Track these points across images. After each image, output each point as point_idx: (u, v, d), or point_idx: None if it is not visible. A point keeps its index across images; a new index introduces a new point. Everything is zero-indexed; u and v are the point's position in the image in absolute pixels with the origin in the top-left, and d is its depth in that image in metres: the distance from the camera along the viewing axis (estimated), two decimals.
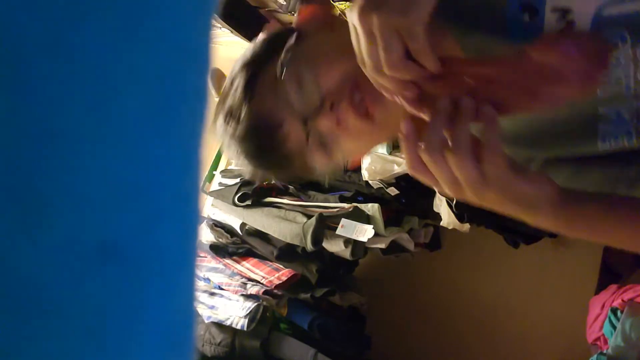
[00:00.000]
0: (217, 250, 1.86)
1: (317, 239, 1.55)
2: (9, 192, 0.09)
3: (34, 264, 0.10)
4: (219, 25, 1.78)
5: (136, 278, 0.11)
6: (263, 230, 1.73)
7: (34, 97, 0.09)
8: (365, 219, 1.59)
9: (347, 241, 1.59)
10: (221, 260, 1.85)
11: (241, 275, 1.79)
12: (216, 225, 1.92)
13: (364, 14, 0.44)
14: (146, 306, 0.11)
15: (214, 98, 2.33)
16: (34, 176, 0.09)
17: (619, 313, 1.41)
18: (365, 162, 1.62)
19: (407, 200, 1.72)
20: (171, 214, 0.12)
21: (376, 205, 1.61)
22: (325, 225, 1.58)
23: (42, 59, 0.09)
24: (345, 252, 1.60)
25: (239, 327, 1.67)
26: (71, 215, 0.10)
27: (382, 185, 1.66)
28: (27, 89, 0.09)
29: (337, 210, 1.61)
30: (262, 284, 1.71)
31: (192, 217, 0.13)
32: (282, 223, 1.64)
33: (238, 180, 1.84)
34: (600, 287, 1.65)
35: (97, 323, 0.11)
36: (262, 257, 1.82)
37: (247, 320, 1.66)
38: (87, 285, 0.10)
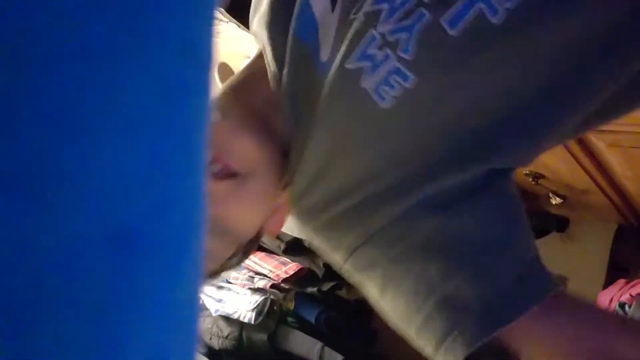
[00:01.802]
0: None
1: None
2: (29, 180, 0.10)
3: (51, 249, 0.10)
4: (227, 19, 1.78)
5: (146, 263, 0.12)
6: None
7: (49, 92, 0.10)
8: None
9: None
10: None
11: (248, 269, 1.80)
12: None
13: None
14: (155, 290, 0.12)
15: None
16: (54, 166, 0.10)
17: (627, 307, 1.40)
18: None
19: None
20: (178, 203, 0.13)
21: None
22: None
23: (53, 49, 0.10)
24: None
25: (246, 320, 1.69)
26: (88, 201, 0.11)
27: None
28: (41, 85, 0.10)
29: None
30: (269, 277, 1.72)
31: (198, 207, 0.13)
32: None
33: None
34: (608, 281, 1.64)
35: (108, 305, 0.11)
36: (269, 251, 1.82)
37: (254, 313, 1.67)
38: (101, 269, 0.11)
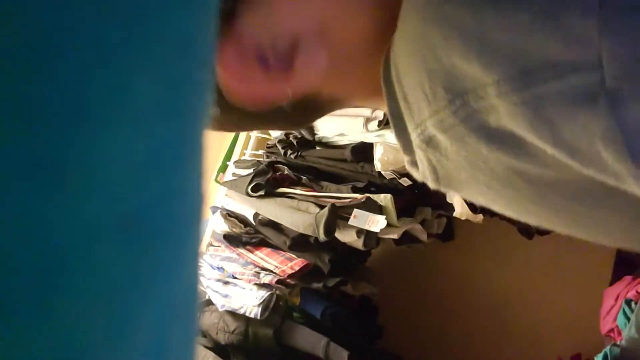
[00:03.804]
0: (231, 239, 1.88)
1: (329, 229, 1.56)
2: (44, 165, 0.10)
3: (69, 232, 0.11)
4: None
5: (150, 249, 0.12)
6: (276, 220, 1.75)
7: (63, 81, 0.10)
8: (378, 209, 1.60)
9: (360, 231, 1.59)
10: (235, 249, 1.87)
11: (254, 264, 1.81)
12: (230, 215, 1.94)
13: None
14: (157, 277, 0.13)
15: None
16: (65, 153, 0.11)
17: (633, 304, 1.40)
18: (378, 153, 1.62)
19: (420, 190, 1.72)
20: (180, 193, 0.13)
21: (389, 195, 1.61)
22: (338, 215, 1.59)
23: (69, 48, 0.10)
24: (358, 243, 1.61)
25: (252, 315, 1.70)
26: (101, 190, 0.11)
27: (394, 176, 1.66)
28: (56, 75, 0.10)
29: (350, 201, 1.62)
30: (275, 273, 1.73)
31: (197, 197, 0.14)
32: (295, 213, 1.66)
33: (251, 170, 1.86)
34: (615, 278, 1.64)
35: (118, 287, 0.12)
36: (275, 247, 1.83)
37: (260, 308, 1.68)
38: (111, 252, 0.11)
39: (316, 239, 1.62)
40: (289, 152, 1.84)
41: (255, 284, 1.74)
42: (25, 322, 0.10)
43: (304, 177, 1.76)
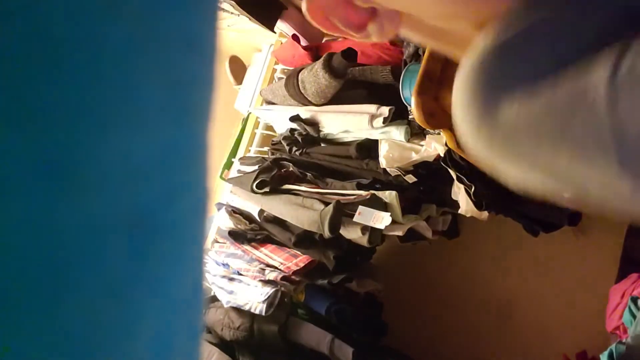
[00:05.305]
0: (236, 236, 1.88)
1: (334, 226, 1.56)
2: (54, 165, 0.11)
3: (80, 230, 0.11)
4: (237, 12, 1.79)
5: (156, 246, 0.12)
6: (281, 217, 1.75)
7: (73, 82, 0.11)
8: (383, 206, 1.60)
9: (365, 228, 1.59)
10: (240, 246, 1.88)
11: (259, 261, 1.81)
12: (235, 212, 1.95)
13: None
14: (163, 273, 0.13)
15: (232, 85, 2.33)
16: (75, 153, 0.11)
17: (639, 302, 1.39)
18: (383, 150, 1.62)
19: (425, 187, 1.71)
20: (187, 191, 0.13)
21: (394, 192, 1.61)
22: (343, 212, 1.59)
23: (79, 50, 0.11)
24: (363, 239, 1.61)
25: (257, 312, 1.70)
26: (111, 188, 0.11)
27: (399, 173, 1.66)
28: (66, 76, 0.10)
29: (355, 198, 1.62)
30: (280, 269, 1.74)
31: (203, 194, 0.14)
32: (300, 210, 1.66)
33: (256, 167, 1.86)
34: (621, 275, 1.63)
35: (126, 282, 0.12)
36: (280, 244, 1.84)
37: (265, 305, 1.68)
38: (120, 249, 0.12)
39: (321, 235, 1.62)
40: (294, 148, 1.84)
41: (260, 280, 1.75)
42: (35, 317, 0.10)
43: (309, 174, 1.77)
